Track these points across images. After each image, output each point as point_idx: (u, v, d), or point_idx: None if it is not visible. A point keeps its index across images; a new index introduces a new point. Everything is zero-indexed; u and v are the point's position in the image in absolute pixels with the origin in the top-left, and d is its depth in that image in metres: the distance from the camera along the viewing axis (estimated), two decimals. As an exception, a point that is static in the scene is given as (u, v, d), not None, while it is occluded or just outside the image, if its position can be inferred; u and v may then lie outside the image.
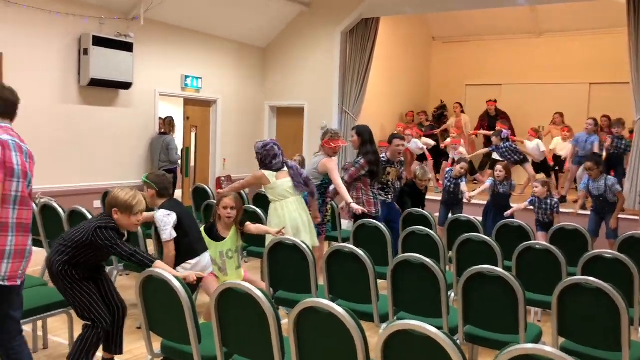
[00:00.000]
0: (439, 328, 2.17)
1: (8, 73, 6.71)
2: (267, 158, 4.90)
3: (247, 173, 8.61)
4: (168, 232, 3.71)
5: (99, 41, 7.50)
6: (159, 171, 4.01)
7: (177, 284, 2.79)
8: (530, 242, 4.38)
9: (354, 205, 5.46)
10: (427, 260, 3.45)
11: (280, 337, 2.62)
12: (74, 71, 7.53)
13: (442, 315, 3.43)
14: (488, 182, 7.00)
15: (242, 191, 7.07)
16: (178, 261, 3.77)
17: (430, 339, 2.16)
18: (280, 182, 4.88)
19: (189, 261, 3.80)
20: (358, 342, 2.34)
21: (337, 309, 2.39)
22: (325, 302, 2.45)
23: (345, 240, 6.38)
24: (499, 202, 6.72)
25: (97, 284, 3.40)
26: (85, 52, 7.46)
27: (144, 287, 2.97)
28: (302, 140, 10.33)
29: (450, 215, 7.03)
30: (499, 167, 6.86)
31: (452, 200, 7.09)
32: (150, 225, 5.47)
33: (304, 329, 2.52)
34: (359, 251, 3.64)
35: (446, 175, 7.29)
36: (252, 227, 4.19)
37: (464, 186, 7.04)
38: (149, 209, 4.14)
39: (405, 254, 3.54)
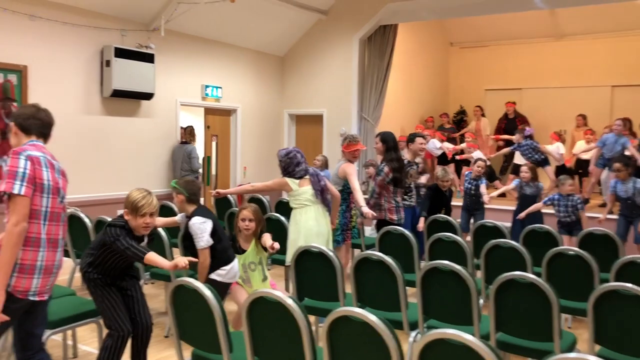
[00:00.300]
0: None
1: (33, 85, 6.82)
2: (290, 166, 4.89)
3: (267, 181, 8.62)
4: (205, 240, 3.72)
5: (120, 52, 7.58)
6: (189, 177, 3.99)
7: (208, 293, 2.78)
8: (560, 247, 4.31)
9: (365, 209, 5.38)
10: (457, 267, 3.41)
11: (313, 346, 2.60)
12: (97, 83, 7.62)
13: (472, 322, 3.39)
14: (514, 183, 6.89)
15: (263, 200, 7.08)
16: (213, 268, 3.78)
17: (468, 348, 2.13)
18: (302, 190, 4.87)
19: (224, 267, 3.80)
20: (393, 351, 2.31)
21: (372, 317, 2.37)
22: (359, 311, 2.42)
23: (369, 247, 6.35)
24: (526, 204, 6.60)
25: (124, 296, 3.42)
26: (108, 63, 7.55)
27: (175, 296, 2.97)
28: (322, 147, 10.32)
29: (472, 220, 6.97)
30: (524, 167, 6.75)
31: (474, 204, 7.01)
32: (176, 234, 5.48)
33: (337, 337, 2.50)
34: (387, 258, 3.61)
35: (466, 178, 7.20)
36: (263, 238, 4.08)
37: (483, 188, 6.96)
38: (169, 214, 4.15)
39: (435, 261, 3.49)
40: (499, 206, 9.20)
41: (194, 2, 7.96)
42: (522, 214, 6.37)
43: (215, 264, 3.78)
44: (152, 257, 3.18)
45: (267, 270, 4.18)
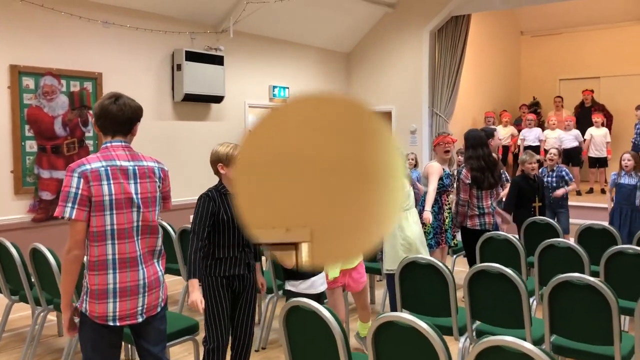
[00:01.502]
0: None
1: (107, 92, 6.77)
2: None
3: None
4: None
5: (191, 56, 7.47)
6: None
7: (328, 315, 2.53)
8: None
9: (425, 214, 4.82)
10: (593, 279, 3.04)
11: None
12: (168, 87, 7.55)
13: (613, 342, 3.01)
14: (611, 178, 6.28)
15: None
16: (289, 276, 3.52)
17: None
18: (409, 190, 4.50)
19: (299, 279, 3.49)
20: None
21: (528, 346, 2.07)
22: (510, 339, 2.13)
23: (456, 252, 5.99)
24: (621, 197, 5.96)
25: (237, 301, 3.29)
26: (179, 67, 7.45)
27: (288, 317, 2.73)
28: (391, 146, 9.97)
29: (555, 220, 6.48)
30: (626, 155, 6.05)
31: (558, 200, 6.45)
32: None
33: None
34: (509, 271, 3.28)
35: (542, 173, 6.56)
36: None
37: (566, 172, 6.52)
38: None
39: (566, 274, 3.13)
40: (583, 203, 8.63)
41: (263, 0, 7.77)
42: None
43: (292, 273, 3.49)
44: (190, 282, 3.05)
45: None
